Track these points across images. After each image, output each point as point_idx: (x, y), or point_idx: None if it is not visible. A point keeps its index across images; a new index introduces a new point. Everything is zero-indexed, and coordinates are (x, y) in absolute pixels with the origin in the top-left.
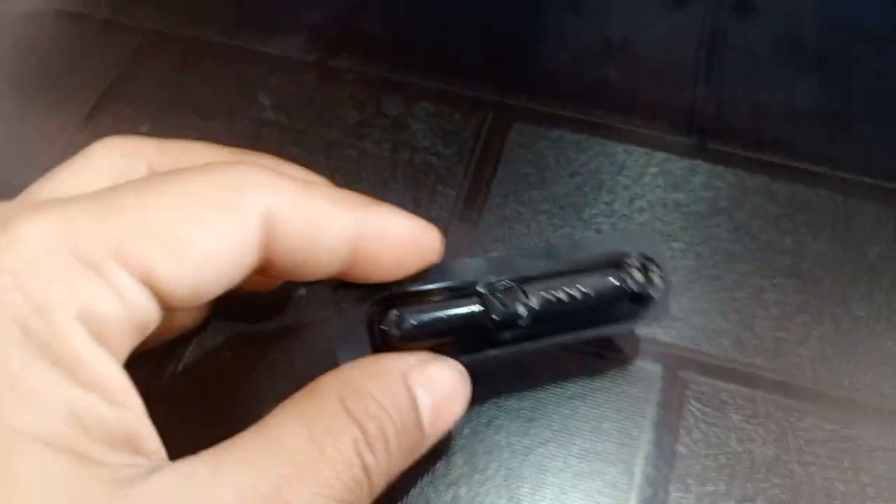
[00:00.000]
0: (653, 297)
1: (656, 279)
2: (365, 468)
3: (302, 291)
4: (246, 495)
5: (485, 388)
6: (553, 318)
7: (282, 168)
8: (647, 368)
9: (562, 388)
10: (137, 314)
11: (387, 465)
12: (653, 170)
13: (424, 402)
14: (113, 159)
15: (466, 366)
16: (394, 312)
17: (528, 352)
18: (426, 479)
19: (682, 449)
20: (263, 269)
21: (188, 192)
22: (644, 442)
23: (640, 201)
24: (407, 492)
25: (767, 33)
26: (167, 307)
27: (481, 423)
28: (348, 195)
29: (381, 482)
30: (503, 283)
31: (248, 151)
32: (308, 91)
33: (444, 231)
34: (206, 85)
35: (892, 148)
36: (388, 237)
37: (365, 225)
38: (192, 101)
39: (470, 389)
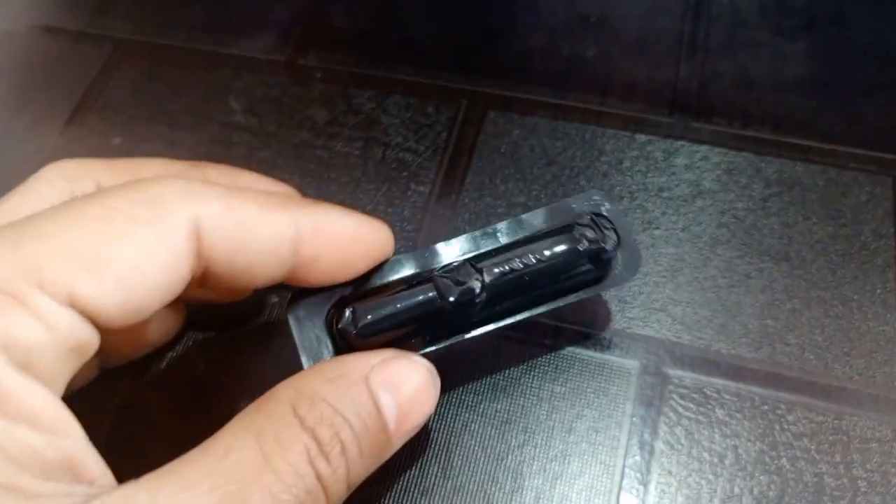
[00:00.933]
0: (609, 253)
1: (609, 235)
2: (319, 477)
3: (274, 298)
4: None
5: (458, 392)
6: (510, 290)
7: (238, 178)
8: (625, 364)
9: (537, 388)
10: (68, 338)
11: (345, 473)
12: (633, 153)
13: (388, 403)
14: (58, 184)
15: (435, 360)
16: (348, 311)
17: (497, 334)
18: (398, 487)
19: (663, 447)
20: (204, 281)
21: (108, 211)
22: (624, 441)
23: (620, 188)
24: (379, 501)
25: None
26: (104, 328)
27: (455, 428)
28: (284, 197)
29: (339, 490)
30: (455, 263)
31: (202, 163)
32: (277, 92)
33: (418, 227)
34: (175, 92)
35: (886, 115)
36: (330, 236)
37: (303, 226)
38: (163, 109)
39: (439, 385)
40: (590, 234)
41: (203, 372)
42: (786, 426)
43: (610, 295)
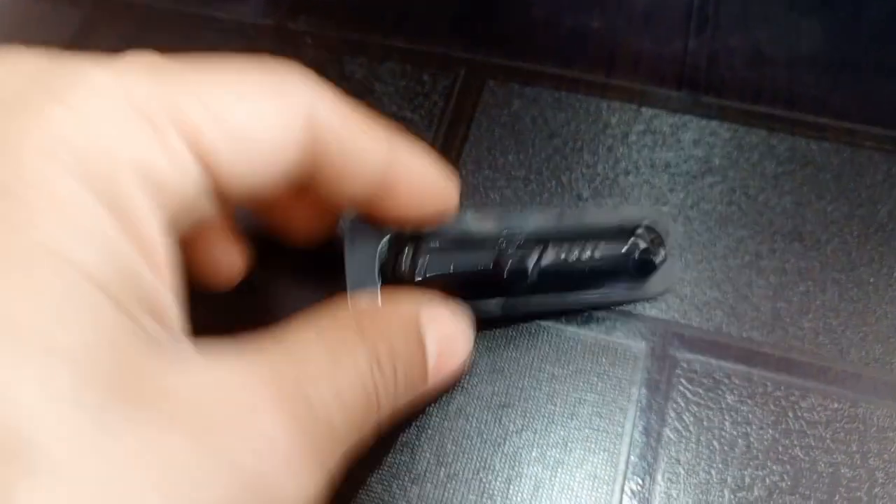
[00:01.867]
0: (654, 266)
1: (660, 249)
2: (375, 386)
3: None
4: (271, 387)
5: None
6: (559, 277)
7: None
8: (631, 346)
9: (538, 370)
10: (186, 184)
11: (393, 392)
12: (639, 128)
13: (430, 341)
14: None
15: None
16: (408, 255)
17: (530, 308)
18: (390, 472)
19: (671, 434)
20: (302, 187)
21: (240, 75)
22: (629, 427)
23: (626, 162)
24: (370, 488)
25: None
26: (212, 186)
27: (449, 412)
28: (384, 124)
29: (386, 409)
30: (518, 240)
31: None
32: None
33: None
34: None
35: None
36: (417, 174)
37: (397, 155)
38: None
39: (472, 343)
40: (643, 244)
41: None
42: (799, 413)
43: None
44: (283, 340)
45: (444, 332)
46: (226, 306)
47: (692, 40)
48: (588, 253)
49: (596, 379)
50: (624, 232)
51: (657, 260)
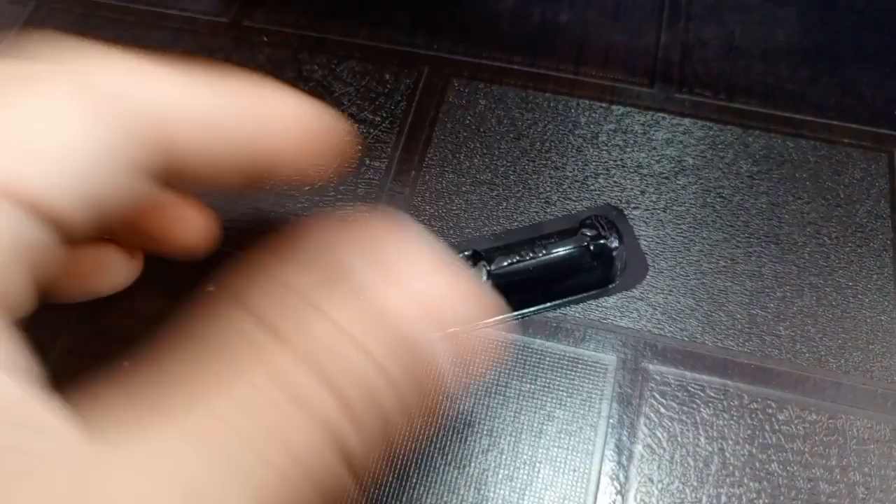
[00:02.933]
0: (612, 249)
1: (612, 233)
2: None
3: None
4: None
5: None
6: (516, 282)
7: None
8: (601, 358)
9: (504, 385)
10: (15, 241)
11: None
12: (609, 127)
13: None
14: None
15: None
16: None
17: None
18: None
19: (643, 451)
20: (169, 177)
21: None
22: (600, 444)
23: (595, 164)
24: None
25: None
26: (55, 223)
27: (414, 432)
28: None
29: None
30: (464, 254)
31: None
32: (219, 57)
33: (374, 207)
34: None
35: (882, 87)
36: (279, 117)
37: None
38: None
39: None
40: (592, 232)
41: (148, 323)
42: (776, 426)
43: None
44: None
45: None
46: None
47: (665, 32)
48: (539, 253)
49: (565, 394)
50: (572, 229)
51: (611, 244)
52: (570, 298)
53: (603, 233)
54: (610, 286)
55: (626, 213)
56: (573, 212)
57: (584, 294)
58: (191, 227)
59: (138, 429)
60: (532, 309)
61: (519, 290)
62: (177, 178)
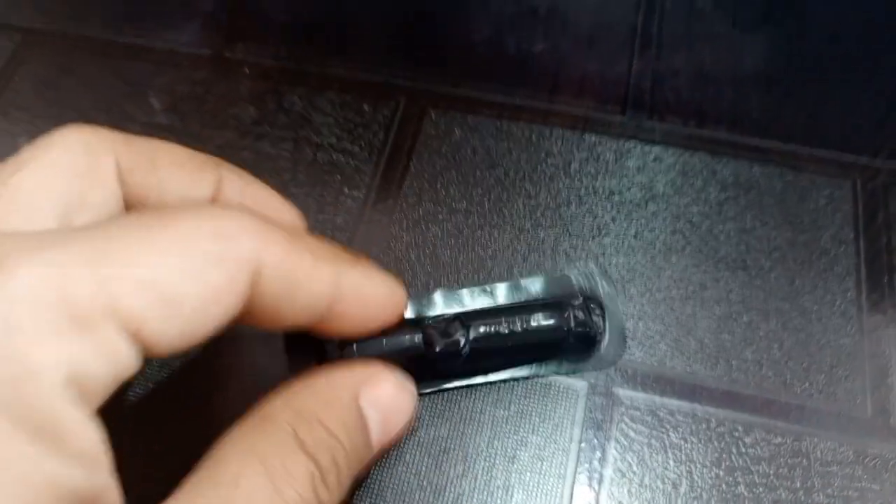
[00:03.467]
0: (592, 337)
1: (597, 321)
2: (318, 499)
3: None
4: None
5: None
6: (493, 350)
7: (250, 187)
8: (572, 384)
9: (478, 412)
10: (122, 369)
11: (338, 495)
12: (582, 155)
13: (374, 419)
14: (75, 155)
15: None
16: (337, 348)
17: (476, 386)
18: None
19: (613, 475)
20: (240, 319)
21: (180, 240)
22: (571, 469)
23: (567, 191)
24: None
25: None
26: (147, 357)
27: (390, 459)
28: (331, 251)
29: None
30: (447, 316)
31: (220, 161)
32: (200, 89)
33: (352, 235)
34: (89, 88)
35: (846, 114)
36: (364, 300)
37: (345, 286)
38: (75, 107)
39: (416, 405)
40: (580, 315)
41: (175, 383)
42: (743, 449)
43: None
44: (218, 481)
45: (387, 406)
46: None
47: (637, 61)
48: (521, 325)
49: (538, 420)
50: (559, 304)
51: (594, 333)
52: (542, 370)
53: (589, 320)
54: (585, 362)
55: (614, 292)
56: (559, 269)
57: (558, 368)
58: None
59: None
60: (502, 376)
61: (492, 357)
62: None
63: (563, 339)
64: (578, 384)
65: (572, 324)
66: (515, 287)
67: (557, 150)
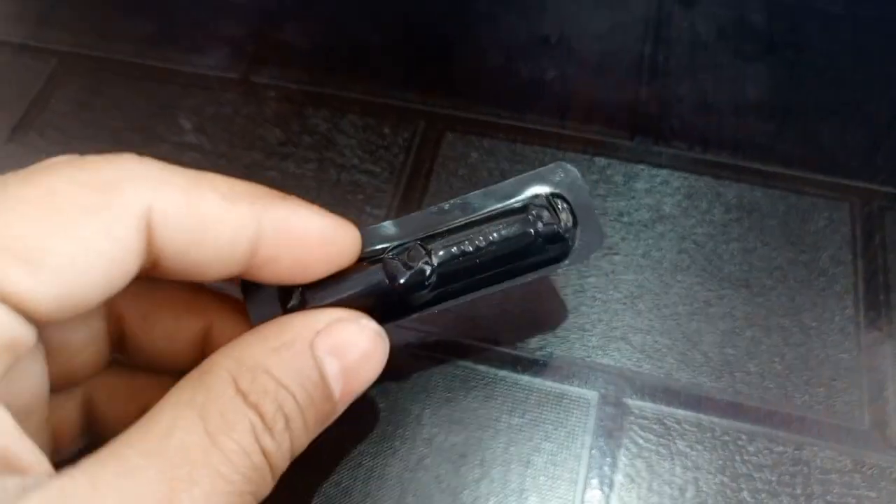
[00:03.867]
0: (563, 235)
1: (563, 216)
2: (265, 453)
3: None
4: None
5: (413, 425)
6: (461, 272)
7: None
8: (585, 394)
9: (495, 420)
10: (4, 340)
11: (289, 446)
12: (593, 177)
13: (333, 370)
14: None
15: (394, 392)
16: (296, 293)
17: (448, 309)
18: None
19: (623, 480)
20: (150, 273)
21: (49, 196)
22: (583, 474)
23: None
24: None
25: (713, 21)
26: (39, 322)
27: (410, 463)
28: (248, 189)
29: (283, 463)
30: (407, 244)
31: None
32: (228, 111)
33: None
34: (121, 109)
35: (842, 139)
36: (295, 237)
37: (266, 224)
38: (108, 126)
39: (387, 347)
40: (545, 215)
41: None
42: (746, 457)
43: (569, 323)
44: (153, 432)
45: (349, 354)
46: None
47: (644, 88)
48: (484, 240)
49: (551, 427)
50: (521, 208)
51: (561, 230)
52: (517, 280)
53: (554, 217)
54: (561, 263)
55: (584, 184)
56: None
57: (534, 274)
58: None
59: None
60: (479, 293)
61: (461, 279)
62: (153, 273)
63: (532, 243)
64: (590, 394)
65: (539, 226)
66: (482, 196)
67: None
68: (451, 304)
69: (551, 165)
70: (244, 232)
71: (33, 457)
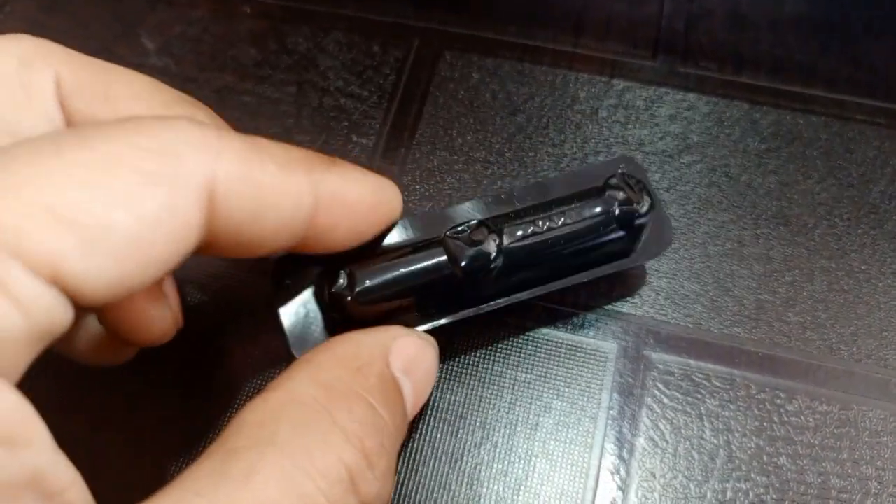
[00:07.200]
0: (642, 217)
1: (643, 196)
2: (353, 480)
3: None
4: None
5: None
6: (530, 257)
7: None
8: (601, 346)
9: (498, 375)
10: (40, 321)
11: (388, 484)
12: (610, 102)
13: (407, 390)
14: (9, 68)
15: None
16: (344, 273)
17: (510, 309)
18: None
19: (645, 444)
20: (202, 248)
21: (110, 161)
22: (599, 438)
23: (595, 141)
24: None
25: None
26: (80, 306)
27: None
28: (302, 155)
29: (372, 487)
30: (470, 223)
31: (192, 100)
32: (196, 30)
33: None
34: (78, 27)
35: None
36: (349, 203)
37: (323, 192)
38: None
39: (438, 363)
40: (621, 194)
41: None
42: (785, 418)
43: None
44: (233, 476)
45: (417, 373)
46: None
47: (668, 2)
48: (558, 220)
49: (562, 384)
50: (595, 189)
51: (643, 209)
52: (583, 275)
53: (634, 196)
54: (630, 257)
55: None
56: (583, 163)
57: (602, 269)
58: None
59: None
60: (545, 287)
61: (529, 268)
62: (204, 252)
63: (608, 225)
64: (608, 346)
65: (618, 206)
66: (539, 186)
67: (584, 96)
68: (512, 299)
69: (613, 158)
70: (304, 203)
71: (68, 477)
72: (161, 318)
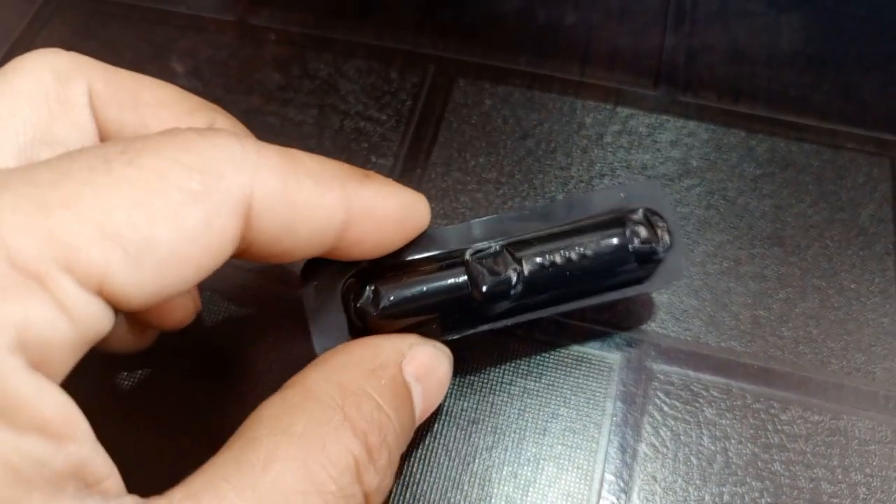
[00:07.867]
0: (660, 256)
1: (663, 235)
2: (365, 493)
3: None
4: None
5: None
6: (548, 285)
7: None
8: (606, 357)
9: (508, 383)
10: (87, 328)
11: (388, 478)
12: (614, 128)
13: (417, 395)
14: (43, 79)
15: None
16: (369, 289)
17: (521, 324)
18: None
19: (647, 450)
20: (234, 254)
21: (154, 179)
22: (604, 443)
23: (601, 164)
24: None
25: None
26: (120, 310)
27: (418, 429)
28: (337, 170)
29: (379, 499)
30: (492, 248)
31: (214, 107)
32: (224, 54)
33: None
34: (112, 51)
35: (885, 94)
36: (379, 216)
37: (355, 206)
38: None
39: (451, 372)
40: (643, 232)
41: (211, 352)
42: (779, 426)
43: None
44: (251, 464)
45: (430, 379)
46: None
47: (670, 36)
48: (578, 251)
49: (569, 392)
50: (618, 220)
51: (660, 249)
52: (595, 298)
53: (653, 237)
54: (642, 284)
55: (671, 205)
56: (601, 185)
57: (613, 294)
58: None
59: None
60: (558, 308)
61: (542, 293)
62: (238, 257)
63: (625, 260)
64: (612, 357)
65: (637, 243)
66: (567, 204)
67: (590, 122)
68: (526, 317)
69: (641, 182)
70: (336, 217)
71: (106, 468)
72: (183, 306)
